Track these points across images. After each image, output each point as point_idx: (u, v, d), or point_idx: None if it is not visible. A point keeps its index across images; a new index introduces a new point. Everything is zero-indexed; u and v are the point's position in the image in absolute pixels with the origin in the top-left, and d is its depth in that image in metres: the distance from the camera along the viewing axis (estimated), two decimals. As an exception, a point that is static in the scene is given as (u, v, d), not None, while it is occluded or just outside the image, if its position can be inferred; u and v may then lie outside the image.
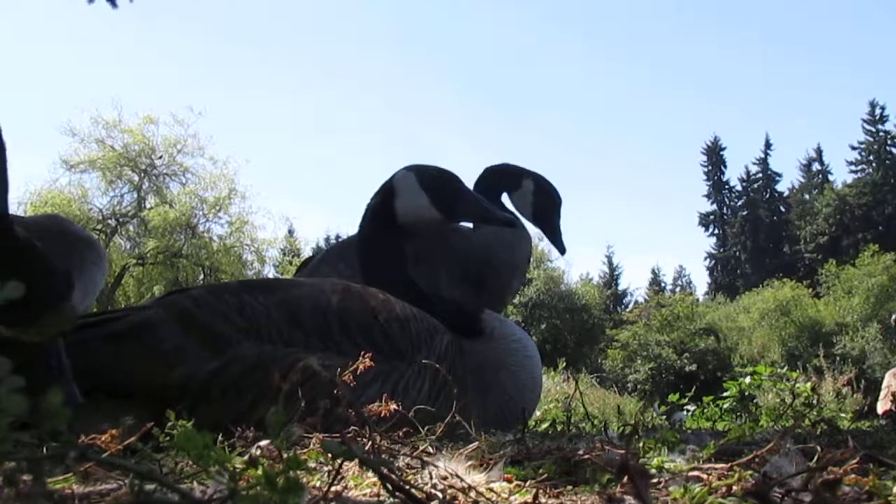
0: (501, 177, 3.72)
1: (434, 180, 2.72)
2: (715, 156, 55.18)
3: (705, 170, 55.53)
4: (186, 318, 2.11)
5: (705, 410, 5.30)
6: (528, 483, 1.26)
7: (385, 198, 2.75)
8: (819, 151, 54.59)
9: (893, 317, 8.76)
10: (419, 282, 2.75)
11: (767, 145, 54.21)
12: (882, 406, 6.57)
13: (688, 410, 5.69)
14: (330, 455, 1.20)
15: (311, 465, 1.34)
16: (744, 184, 54.60)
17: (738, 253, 53.01)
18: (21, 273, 1.32)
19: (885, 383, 6.87)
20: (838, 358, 22.42)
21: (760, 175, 54.11)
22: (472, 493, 1.14)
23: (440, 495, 1.13)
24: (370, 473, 1.20)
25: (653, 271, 52.93)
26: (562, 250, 3.76)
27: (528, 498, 1.13)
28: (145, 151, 23.44)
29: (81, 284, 2.89)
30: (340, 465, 1.11)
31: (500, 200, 3.67)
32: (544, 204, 3.67)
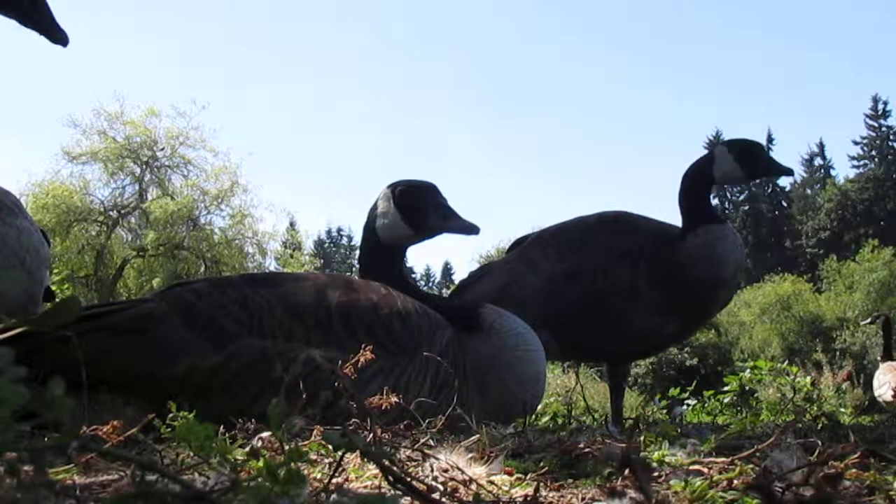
0: (698, 174, 3.61)
1: (403, 196, 2.71)
2: (717, 150, 55.08)
3: (707, 164, 55.43)
4: (188, 311, 2.11)
5: (706, 404, 5.31)
6: (528, 476, 1.26)
7: (373, 218, 2.77)
8: (821, 146, 54.59)
9: (869, 318, 8.59)
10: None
11: (769, 140, 54.09)
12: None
13: (688, 404, 5.70)
14: (331, 447, 1.20)
15: (313, 456, 1.34)
16: (745, 178, 54.51)
17: (739, 247, 52.91)
18: None
19: (883, 379, 6.80)
20: (838, 353, 22.43)
21: (762, 169, 54.01)
22: (473, 486, 1.14)
23: (441, 487, 1.13)
24: (371, 465, 1.20)
25: (654, 265, 52.93)
26: (789, 171, 3.69)
27: (529, 490, 1.13)
28: (147, 143, 23.39)
29: None
30: (342, 457, 1.11)
31: (708, 198, 3.60)
32: (746, 156, 3.56)
